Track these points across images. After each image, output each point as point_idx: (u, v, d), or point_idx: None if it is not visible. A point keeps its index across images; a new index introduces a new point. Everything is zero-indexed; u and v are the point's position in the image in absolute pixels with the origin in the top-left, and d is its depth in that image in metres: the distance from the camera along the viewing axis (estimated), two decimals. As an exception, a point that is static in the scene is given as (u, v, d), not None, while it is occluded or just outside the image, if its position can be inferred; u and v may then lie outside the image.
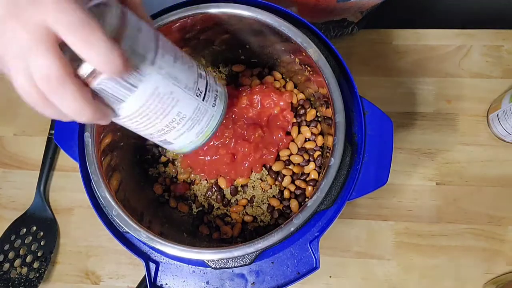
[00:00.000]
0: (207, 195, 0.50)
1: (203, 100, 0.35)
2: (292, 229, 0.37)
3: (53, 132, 0.58)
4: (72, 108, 0.25)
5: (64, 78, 0.24)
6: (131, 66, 0.28)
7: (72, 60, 0.25)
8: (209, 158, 0.48)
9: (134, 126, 0.33)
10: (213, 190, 0.49)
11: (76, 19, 0.23)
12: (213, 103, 0.37)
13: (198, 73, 0.35)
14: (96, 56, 0.24)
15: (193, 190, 0.50)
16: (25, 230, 0.56)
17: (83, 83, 0.26)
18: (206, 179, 0.50)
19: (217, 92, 0.37)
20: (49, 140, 0.59)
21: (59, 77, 0.24)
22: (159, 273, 0.41)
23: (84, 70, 0.26)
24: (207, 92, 0.36)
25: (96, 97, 0.28)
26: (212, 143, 0.47)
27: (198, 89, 0.35)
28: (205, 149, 0.47)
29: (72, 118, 0.27)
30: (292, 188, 0.48)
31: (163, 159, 0.51)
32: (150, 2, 0.40)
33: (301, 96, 0.50)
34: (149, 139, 0.36)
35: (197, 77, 0.35)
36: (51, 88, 0.24)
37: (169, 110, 0.33)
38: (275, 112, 0.49)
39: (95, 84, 0.27)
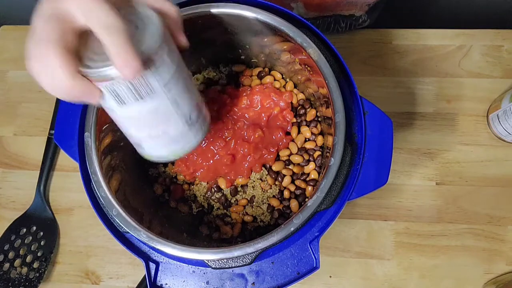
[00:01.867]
0: (207, 195, 0.50)
1: (189, 128, 0.37)
2: (292, 229, 0.37)
3: (53, 132, 0.58)
4: (52, 68, 0.27)
5: (53, 43, 0.26)
6: (146, 81, 0.30)
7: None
8: (211, 161, 0.48)
9: (119, 121, 0.34)
10: (213, 190, 0.49)
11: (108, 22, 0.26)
12: (195, 132, 0.38)
13: (196, 103, 0.37)
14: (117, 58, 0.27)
15: (193, 190, 0.50)
16: (25, 230, 0.56)
17: (71, 54, 0.27)
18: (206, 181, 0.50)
19: (203, 123, 0.39)
20: (49, 140, 0.58)
21: (50, 41, 0.26)
22: (159, 273, 0.41)
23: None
24: (196, 123, 0.37)
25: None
26: (212, 148, 0.47)
27: (190, 117, 0.36)
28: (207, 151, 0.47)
29: (55, 85, 0.28)
30: (292, 188, 0.48)
31: (163, 159, 0.51)
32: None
33: (301, 96, 0.50)
34: (125, 135, 0.37)
35: (195, 107, 0.37)
36: (42, 48, 0.26)
37: (157, 125, 0.35)
38: (275, 112, 0.49)
39: (108, 83, 0.29)
